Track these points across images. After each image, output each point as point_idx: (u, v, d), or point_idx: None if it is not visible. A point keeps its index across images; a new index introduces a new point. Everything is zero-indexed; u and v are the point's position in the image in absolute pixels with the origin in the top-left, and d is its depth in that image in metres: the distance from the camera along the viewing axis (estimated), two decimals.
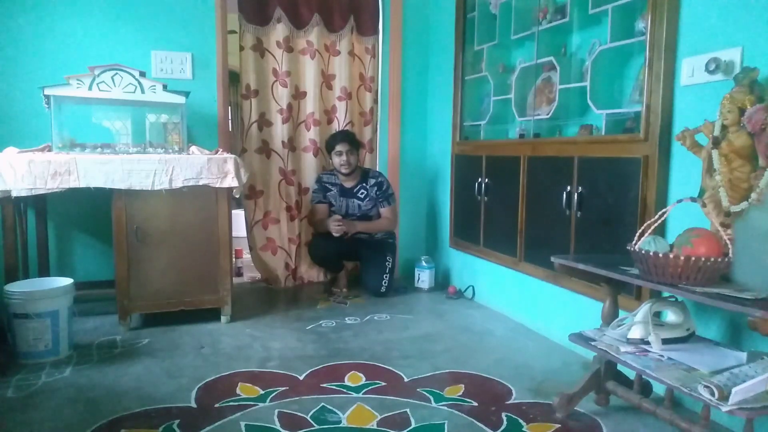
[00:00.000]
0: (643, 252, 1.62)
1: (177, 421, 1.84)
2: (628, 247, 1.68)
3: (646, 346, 1.74)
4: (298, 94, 3.69)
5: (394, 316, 3.08)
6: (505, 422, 1.88)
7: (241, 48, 3.54)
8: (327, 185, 3.52)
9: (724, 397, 1.40)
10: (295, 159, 3.74)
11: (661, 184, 2.08)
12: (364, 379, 2.21)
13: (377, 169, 3.78)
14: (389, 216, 3.53)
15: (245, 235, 3.76)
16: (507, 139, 3.18)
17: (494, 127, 3.25)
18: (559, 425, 1.86)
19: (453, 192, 3.57)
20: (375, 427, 1.83)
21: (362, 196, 3.49)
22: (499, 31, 3.10)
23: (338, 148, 3.38)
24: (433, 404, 2.00)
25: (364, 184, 3.49)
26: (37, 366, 2.28)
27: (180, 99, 2.84)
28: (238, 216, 3.73)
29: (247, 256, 3.94)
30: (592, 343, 1.83)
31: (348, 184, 3.49)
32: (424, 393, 2.09)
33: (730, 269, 1.58)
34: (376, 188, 3.48)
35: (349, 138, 3.42)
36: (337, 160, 3.41)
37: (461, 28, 3.40)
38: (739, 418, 1.54)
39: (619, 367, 1.92)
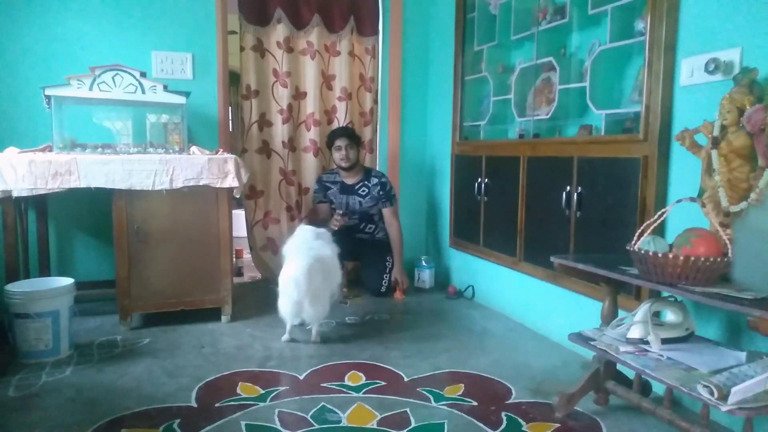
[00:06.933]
0: (642, 252, 1.62)
1: (177, 421, 1.84)
2: (628, 247, 1.68)
3: (645, 346, 1.74)
4: (299, 95, 3.70)
5: (394, 316, 3.09)
6: (504, 422, 1.88)
7: (242, 48, 3.54)
8: (327, 184, 3.53)
9: (724, 397, 1.40)
10: (296, 159, 3.74)
11: (660, 184, 2.08)
12: (364, 378, 2.22)
13: (378, 170, 3.78)
14: (393, 219, 3.53)
15: (245, 235, 3.77)
16: (507, 139, 3.18)
17: (494, 128, 3.26)
18: (559, 425, 1.87)
19: (453, 192, 3.57)
20: (375, 426, 1.83)
21: (363, 194, 3.48)
22: (498, 32, 3.10)
23: (337, 143, 3.40)
24: (433, 404, 2.00)
25: (366, 182, 3.49)
26: (38, 366, 2.28)
27: (180, 99, 2.85)
28: (239, 216, 3.74)
29: (247, 256, 3.95)
30: (592, 343, 1.83)
31: (349, 181, 3.49)
32: (424, 392, 2.09)
33: (729, 269, 1.59)
34: (379, 188, 3.48)
35: (348, 133, 3.44)
36: (336, 155, 3.43)
37: (461, 29, 3.41)
38: (739, 418, 1.55)
39: (619, 366, 1.93)
